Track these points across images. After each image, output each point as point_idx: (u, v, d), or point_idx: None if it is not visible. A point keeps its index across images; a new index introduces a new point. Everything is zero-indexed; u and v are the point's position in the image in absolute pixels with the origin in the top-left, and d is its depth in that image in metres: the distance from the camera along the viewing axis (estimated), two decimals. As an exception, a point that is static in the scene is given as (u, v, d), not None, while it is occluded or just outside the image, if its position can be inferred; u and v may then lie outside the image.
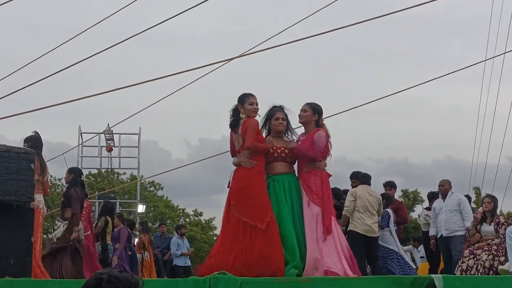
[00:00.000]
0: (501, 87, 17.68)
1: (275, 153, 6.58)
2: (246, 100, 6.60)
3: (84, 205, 9.84)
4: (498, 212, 9.76)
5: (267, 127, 6.81)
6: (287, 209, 6.40)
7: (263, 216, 6.25)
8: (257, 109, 6.66)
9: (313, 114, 6.71)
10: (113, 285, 2.36)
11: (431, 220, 10.84)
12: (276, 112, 6.73)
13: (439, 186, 10.57)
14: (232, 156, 6.77)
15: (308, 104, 6.78)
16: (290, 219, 6.38)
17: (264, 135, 6.76)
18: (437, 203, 10.63)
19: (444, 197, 10.42)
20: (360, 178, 10.12)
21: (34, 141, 7.99)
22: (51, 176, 8.88)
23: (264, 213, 6.27)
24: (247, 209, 6.33)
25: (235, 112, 6.66)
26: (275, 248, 6.16)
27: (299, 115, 6.76)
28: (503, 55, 13.78)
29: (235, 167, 6.62)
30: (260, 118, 6.75)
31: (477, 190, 26.00)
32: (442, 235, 10.24)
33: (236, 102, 6.68)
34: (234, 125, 6.67)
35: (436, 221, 10.48)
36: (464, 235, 9.84)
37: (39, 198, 7.99)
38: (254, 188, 6.40)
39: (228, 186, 6.66)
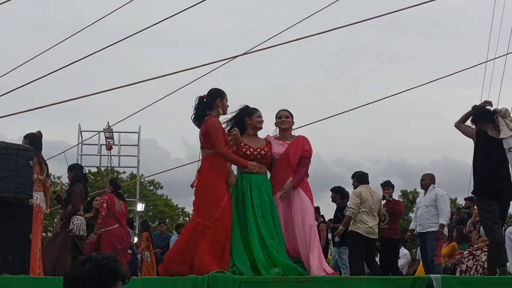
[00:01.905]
0: (502, 89, 17.62)
1: (252, 155, 6.48)
2: (224, 97, 6.36)
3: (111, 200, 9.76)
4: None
5: (234, 124, 6.65)
6: (250, 208, 6.30)
7: (211, 215, 6.11)
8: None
9: (292, 121, 6.78)
10: (97, 262, 2.47)
11: (413, 215, 10.63)
12: (255, 110, 6.64)
13: (420, 180, 10.24)
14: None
15: (287, 110, 6.80)
16: (252, 218, 6.27)
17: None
18: (420, 198, 10.44)
19: (426, 192, 10.12)
20: (358, 178, 10.01)
21: (32, 139, 7.99)
22: (50, 174, 8.88)
23: (212, 212, 6.13)
24: (201, 210, 6.18)
25: (196, 106, 6.34)
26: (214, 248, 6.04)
27: (283, 121, 6.69)
28: (505, 56, 13.71)
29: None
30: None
31: None
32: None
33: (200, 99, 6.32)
34: (195, 122, 6.35)
35: (416, 216, 10.22)
36: (437, 232, 9.66)
37: (40, 196, 8.01)
38: (213, 191, 6.18)
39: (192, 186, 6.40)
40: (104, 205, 9.43)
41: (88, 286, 2.45)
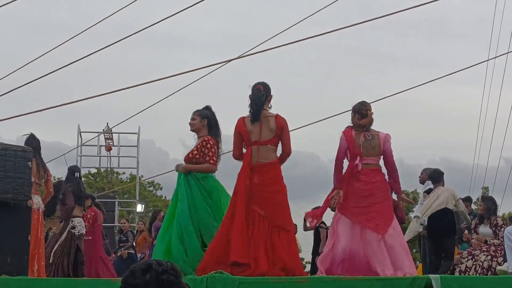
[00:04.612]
0: (503, 88, 17.64)
1: None
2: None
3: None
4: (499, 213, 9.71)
5: None
6: None
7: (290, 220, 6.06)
8: None
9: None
10: (157, 274, 2.35)
11: None
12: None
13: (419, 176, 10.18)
14: (236, 153, 6.06)
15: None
16: None
17: None
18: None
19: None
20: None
21: (27, 143, 8.09)
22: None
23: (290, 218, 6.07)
24: (281, 213, 5.92)
25: (260, 99, 5.92)
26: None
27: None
28: (506, 55, 13.67)
29: (259, 163, 5.87)
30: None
31: (486, 190, 25.63)
32: None
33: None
34: (258, 115, 5.93)
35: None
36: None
37: (36, 200, 8.04)
38: (284, 193, 6.04)
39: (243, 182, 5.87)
40: (91, 221, 10.23)
41: None
